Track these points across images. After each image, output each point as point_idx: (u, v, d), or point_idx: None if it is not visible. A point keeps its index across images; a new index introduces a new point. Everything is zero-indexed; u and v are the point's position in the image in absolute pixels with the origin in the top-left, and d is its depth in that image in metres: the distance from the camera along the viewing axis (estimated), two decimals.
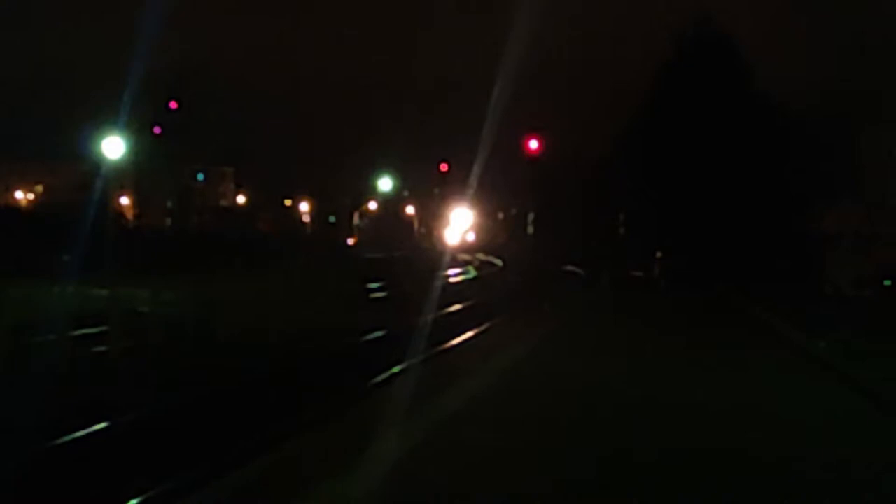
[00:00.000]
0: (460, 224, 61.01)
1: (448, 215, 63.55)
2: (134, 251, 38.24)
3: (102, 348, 17.44)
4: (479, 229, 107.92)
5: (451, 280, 47.77)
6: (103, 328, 18.35)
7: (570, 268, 63.13)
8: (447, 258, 57.58)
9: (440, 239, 73.47)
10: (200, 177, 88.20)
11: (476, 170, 47.42)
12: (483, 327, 23.35)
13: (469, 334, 21.87)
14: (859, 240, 37.14)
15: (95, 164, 42.61)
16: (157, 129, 62.12)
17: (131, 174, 71.31)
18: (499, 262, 71.42)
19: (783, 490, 7.99)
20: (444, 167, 63.34)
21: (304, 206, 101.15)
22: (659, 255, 44.40)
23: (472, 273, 57.79)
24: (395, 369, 16.83)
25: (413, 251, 76.08)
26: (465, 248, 73.17)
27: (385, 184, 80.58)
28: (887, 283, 35.77)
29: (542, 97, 70.82)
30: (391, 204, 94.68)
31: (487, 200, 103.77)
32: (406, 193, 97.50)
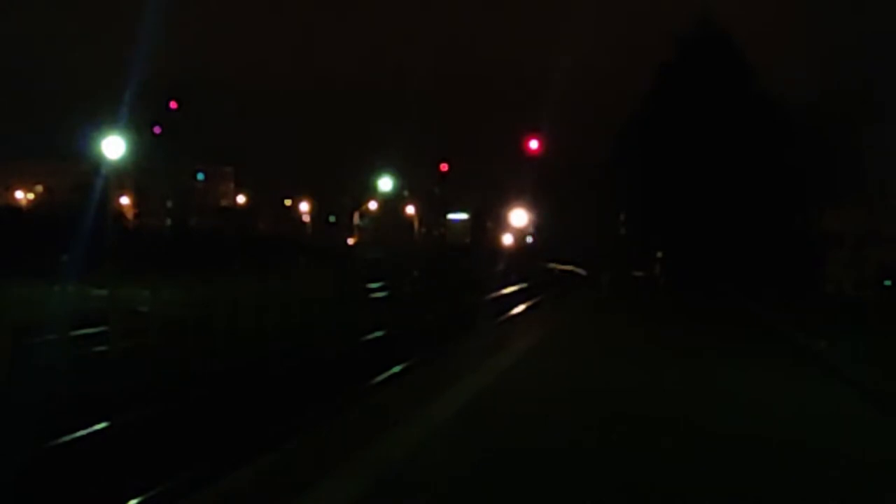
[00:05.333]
0: (518, 224, 59.38)
1: (507, 216, 62.07)
2: (134, 251, 38.22)
3: (102, 348, 17.41)
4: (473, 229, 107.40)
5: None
6: (103, 328, 18.32)
7: (570, 268, 63.07)
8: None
9: (497, 240, 71.10)
10: (200, 176, 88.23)
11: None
12: (484, 329, 23.35)
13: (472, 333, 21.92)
14: (860, 240, 37.09)
15: (95, 163, 42.62)
16: (157, 129, 62.14)
17: (131, 174, 71.30)
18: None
19: (784, 486, 7.99)
20: (444, 167, 63.28)
21: (305, 206, 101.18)
22: (659, 254, 44.40)
23: None
24: (396, 368, 16.85)
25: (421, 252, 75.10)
26: (524, 250, 69.97)
27: (385, 184, 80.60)
28: (888, 283, 35.74)
29: (542, 97, 70.81)
30: (391, 203, 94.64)
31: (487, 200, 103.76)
32: (406, 193, 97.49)
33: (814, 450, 9.61)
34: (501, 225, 70.53)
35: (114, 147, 37.34)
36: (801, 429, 10.69)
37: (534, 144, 38.40)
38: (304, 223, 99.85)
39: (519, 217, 58.37)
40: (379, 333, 22.78)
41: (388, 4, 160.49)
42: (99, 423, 11.60)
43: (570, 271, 62.44)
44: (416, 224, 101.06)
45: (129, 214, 74.83)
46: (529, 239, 70.47)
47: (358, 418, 10.77)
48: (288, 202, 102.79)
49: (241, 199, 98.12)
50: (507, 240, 66.20)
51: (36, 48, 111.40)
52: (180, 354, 17.78)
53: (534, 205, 59.99)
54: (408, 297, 36.06)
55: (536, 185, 57.21)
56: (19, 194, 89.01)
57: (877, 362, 15.27)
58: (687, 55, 40.98)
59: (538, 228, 68.23)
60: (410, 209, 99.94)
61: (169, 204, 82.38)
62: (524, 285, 46.15)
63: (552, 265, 66.39)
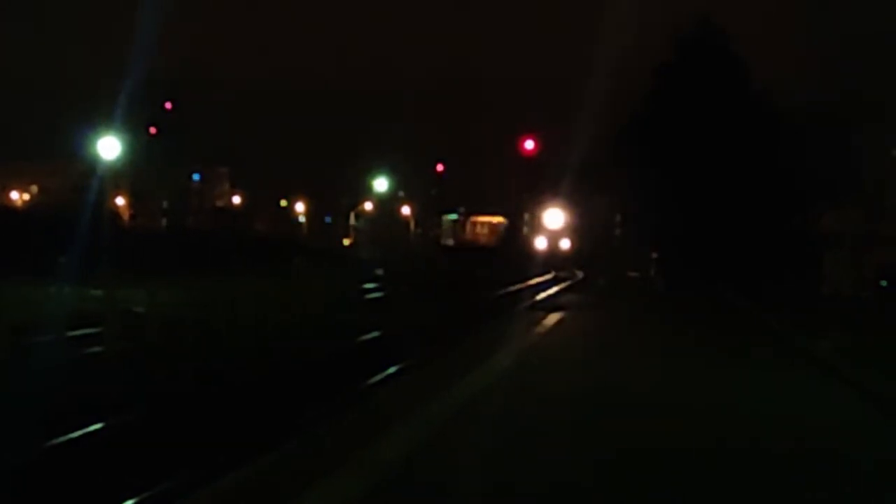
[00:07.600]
0: (553, 226, 54.69)
1: (541, 217, 57.62)
2: (130, 252, 38.10)
3: (98, 349, 17.33)
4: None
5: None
6: (99, 329, 18.25)
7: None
8: None
9: (530, 244, 66.55)
10: (196, 177, 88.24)
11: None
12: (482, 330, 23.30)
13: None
14: (858, 240, 37.11)
15: (91, 164, 42.55)
16: (152, 130, 62.20)
17: (127, 174, 71.19)
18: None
19: (782, 487, 7.96)
20: (440, 168, 63.21)
21: (300, 207, 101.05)
22: (655, 255, 44.39)
23: None
24: (392, 369, 16.79)
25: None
26: (559, 255, 65.06)
27: (380, 184, 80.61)
28: (884, 283, 35.80)
29: (539, 96, 70.73)
30: (387, 204, 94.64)
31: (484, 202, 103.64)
32: (401, 194, 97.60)
33: (813, 450, 9.56)
34: (535, 227, 67.04)
35: (110, 148, 37.26)
36: (799, 429, 10.65)
37: (529, 145, 38.35)
38: (300, 224, 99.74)
39: (554, 218, 53.41)
40: (375, 333, 22.71)
41: (387, 4, 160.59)
42: (94, 423, 11.53)
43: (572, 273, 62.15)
44: (411, 224, 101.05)
45: (125, 215, 74.72)
46: (565, 243, 65.60)
47: (357, 418, 10.73)
48: (284, 203, 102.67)
49: (236, 199, 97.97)
50: (541, 244, 62.04)
51: (32, 48, 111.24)
52: (177, 355, 17.67)
53: (570, 205, 55.38)
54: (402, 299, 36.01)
55: (535, 186, 56.57)
56: (15, 195, 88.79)
57: (875, 363, 15.24)
58: (686, 55, 40.95)
59: (577, 231, 64.03)
60: (406, 210, 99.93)
61: (165, 204, 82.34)
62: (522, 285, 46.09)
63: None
